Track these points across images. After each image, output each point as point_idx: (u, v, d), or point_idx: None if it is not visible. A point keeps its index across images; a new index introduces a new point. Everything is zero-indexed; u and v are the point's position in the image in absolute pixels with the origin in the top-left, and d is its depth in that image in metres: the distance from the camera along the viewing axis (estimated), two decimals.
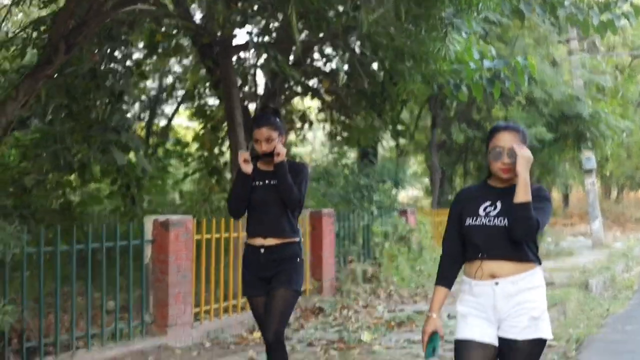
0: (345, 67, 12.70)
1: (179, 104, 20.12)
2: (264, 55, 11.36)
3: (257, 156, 6.04)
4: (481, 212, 4.64)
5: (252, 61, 13.77)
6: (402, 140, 21.61)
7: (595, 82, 24.53)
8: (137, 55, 13.88)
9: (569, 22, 11.89)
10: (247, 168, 5.98)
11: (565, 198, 41.66)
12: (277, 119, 6.12)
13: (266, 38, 12.96)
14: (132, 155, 13.33)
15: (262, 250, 5.96)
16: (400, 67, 11.63)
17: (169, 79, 19.38)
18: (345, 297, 12.72)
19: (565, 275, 16.27)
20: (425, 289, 13.92)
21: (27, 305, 7.75)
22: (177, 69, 19.03)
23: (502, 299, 4.50)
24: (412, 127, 19.71)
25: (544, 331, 4.51)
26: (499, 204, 4.62)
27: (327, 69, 13.13)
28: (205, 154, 15.30)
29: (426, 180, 26.92)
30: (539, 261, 4.62)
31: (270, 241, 5.96)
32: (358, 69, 11.73)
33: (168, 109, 20.58)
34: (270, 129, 5.97)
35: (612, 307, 13.67)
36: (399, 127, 15.15)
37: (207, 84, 15.64)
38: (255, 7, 10.97)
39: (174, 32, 13.71)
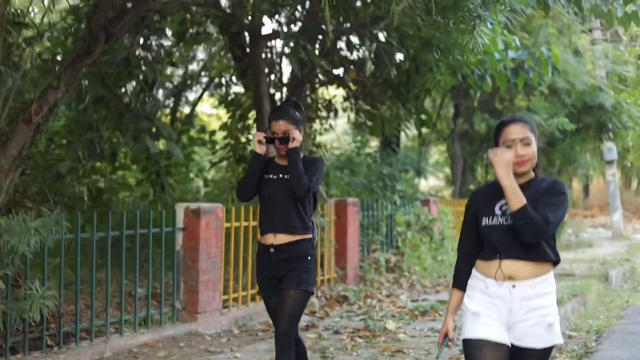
0: (371, 56, 12.80)
1: (203, 92, 20.22)
2: (292, 45, 11.40)
3: (273, 139, 5.91)
4: (497, 211, 4.56)
5: (279, 50, 13.90)
6: (424, 130, 21.66)
7: (617, 73, 24.47)
8: (166, 44, 13.96)
9: (593, 13, 11.91)
10: (261, 148, 5.92)
11: (586, 189, 41.59)
12: (297, 112, 6.05)
13: (294, 27, 13.11)
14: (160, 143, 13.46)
15: (272, 250, 5.93)
16: (426, 57, 11.75)
17: (194, 67, 19.48)
18: (368, 286, 12.87)
19: (585, 267, 16.37)
20: (447, 279, 14.03)
21: (62, 291, 7.92)
22: (201, 56, 19.15)
23: (518, 302, 4.42)
24: (435, 116, 19.74)
25: (557, 336, 4.46)
26: None
27: (353, 58, 13.18)
28: (232, 142, 15.41)
29: (447, 170, 26.97)
30: (556, 258, 4.51)
31: (280, 239, 5.91)
32: (384, 58, 11.83)
33: (191, 96, 20.66)
34: (288, 123, 5.90)
35: (631, 299, 13.79)
36: (423, 117, 15.19)
37: (233, 72, 15.73)
38: None
39: (203, 20, 13.84)
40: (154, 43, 12.56)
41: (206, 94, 20.44)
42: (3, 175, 7.28)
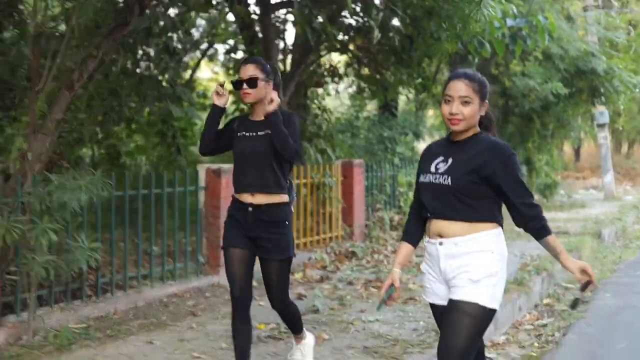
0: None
1: (202, 56, 20.71)
2: (305, 13, 11.90)
3: (241, 83, 5.72)
4: (432, 168, 4.49)
5: (286, 18, 14.46)
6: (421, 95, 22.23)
7: (609, 39, 24.99)
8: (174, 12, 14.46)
9: None
10: (219, 100, 5.83)
11: (577, 152, 42.25)
12: (267, 65, 5.87)
13: None
14: None
15: (250, 209, 5.74)
16: (428, 24, 12.28)
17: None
18: (374, 242, 13.51)
19: (579, 225, 17.01)
20: None
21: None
22: (200, 22, 19.59)
23: (445, 260, 4.38)
24: (431, 81, 20.33)
25: (482, 297, 4.29)
26: (449, 160, 4.45)
27: (358, 25, 13.67)
28: (242, 106, 15.97)
29: (443, 133, 27.53)
30: (498, 222, 4.44)
31: (259, 199, 5.74)
32: (389, 26, 12.36)
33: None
34: (257, 68, 5.72)
35: (623, 255, 14.54)
36: (422, 81, 15.74)
37: (241, 39, 16.23)
38: None
39: None
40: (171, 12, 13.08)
41: (204, 59, 20.91)
42: (48, 138, 7.87)
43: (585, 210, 21.48)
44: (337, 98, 20.58)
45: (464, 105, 4.34)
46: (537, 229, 4.37)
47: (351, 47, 14.56)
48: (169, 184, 9.58)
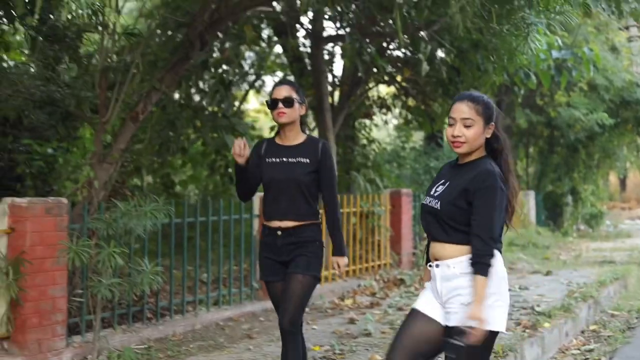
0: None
1: (250, 88, 21.12)
2: (357, 46, 12.24)
3: (276, 102, 5.63)
4: (432, 191, 4.53)
5: (337, 51, 14.85)
6: None
7: None
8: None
9: (632, 16, 12.67)
10: (239, 160, 5.64)
11: (623, 182, 42.11)
12: (300, 89, 5.84)
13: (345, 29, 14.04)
14: None
15: (279, 233, 5.63)
16: (474, 57, 12.56)
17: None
18: (422, 270, 13.72)
19: (624, 255, 17.15)
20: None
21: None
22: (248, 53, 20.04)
23: (441, 282, 4.42)
24: None
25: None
26: (447, 184, 4.48)
27: (407, 57, 13.98)
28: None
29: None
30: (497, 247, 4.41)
31: (288, 223, 5.63)
32: (437, 59, 12.67)
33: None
34: (292, 89, 5.68)
35: None
36: None
37: (291, 72, 16.61)
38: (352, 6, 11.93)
39: (259, 23, 14.78)
40: (229, 47, 13.52)
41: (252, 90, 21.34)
42: (112, 167, 8.27)
43: (631, 240, 21.55)
44: (384, 129, 20.88)
45: (466, 128, 4.36)
46: (475, 262, 4.26)
47: (399, 78, 14.85)
48: (225, 211, 9.93)
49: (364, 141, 17.61)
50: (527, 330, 8.67)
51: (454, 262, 4.36)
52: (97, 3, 5.70)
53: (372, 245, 13.25)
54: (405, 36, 12.56)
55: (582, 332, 9.97)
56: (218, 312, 9.61)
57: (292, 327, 5.68)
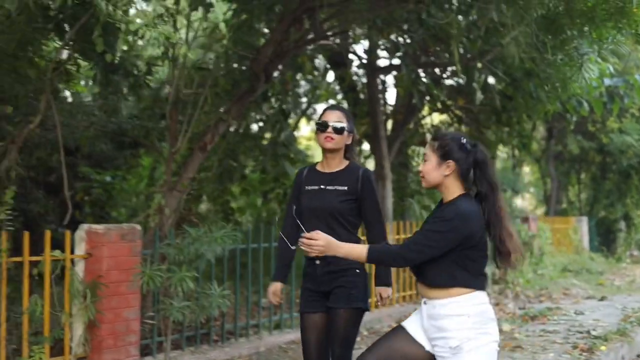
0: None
1: (301, 116, 21.49)
2: (413, 77, 12.55)
3: (326, 126, 5.41)
4: None
5: (389, 80, 15.20)
6: (516, 151, 22.65)
7: None
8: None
9: None
10: (274, 299, 5.70)
11: None
12: (351, 118, 5.62)
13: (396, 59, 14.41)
14: None
15: (318, 262, 5.36)
16: (527, 85, 12.81)
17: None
18: None
19: None
20: (549, 291, 15.04)
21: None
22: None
23: (427, 320, 4.51)
24: (529, 139, 20.80)
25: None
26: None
27: (460, 86, 14.26)
28: None
29: (533, 189, 27.74)
30: (473, 287, 4.51)
31: None
32: (491, 87, 12.94)
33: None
34: (344, 117, 5.46)
35: None
36: (523, 140, 16.24)
37: (346, 101, 16.98)
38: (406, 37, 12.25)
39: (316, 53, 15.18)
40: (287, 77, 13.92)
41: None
42: (181, 194, 8.64)
43: None
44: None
45: (423, 164, 4.62)
46: (374, 247, 4.63)
47: (452, 106, 15.14)
48: (276, 238, 10.23)
49: (418, 168, 17.90)
50: (584, 354, 8.86)
51: (438, 302, 4.46)
52: (171, 39, 6.03)
53: None
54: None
55: (638, 356, 10.10)
56: (281, 336, 9.92)
57: None
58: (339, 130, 5.35)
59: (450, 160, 4.51)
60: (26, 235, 7.08)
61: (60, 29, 7.26)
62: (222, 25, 5.80)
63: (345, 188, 5.40)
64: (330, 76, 18.21)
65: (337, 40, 12.21)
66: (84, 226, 7.66)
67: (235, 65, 10.17)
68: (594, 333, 10.17)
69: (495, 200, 4.54)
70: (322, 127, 5.39)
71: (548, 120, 19.95)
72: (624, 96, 14.38)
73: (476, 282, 4.53)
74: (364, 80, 15.39)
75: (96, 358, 7.53)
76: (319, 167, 5.57)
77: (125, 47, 8.03)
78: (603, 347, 9.18)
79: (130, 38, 5.87)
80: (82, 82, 12.35)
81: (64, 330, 7.35)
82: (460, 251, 4.44)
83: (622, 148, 21.70)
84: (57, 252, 7.29)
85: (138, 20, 6.28)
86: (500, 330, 10.22)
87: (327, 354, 5.40)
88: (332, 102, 19.64)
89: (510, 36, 10.02)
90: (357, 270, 5.37)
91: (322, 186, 5.42)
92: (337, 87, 18.41)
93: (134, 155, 12.96)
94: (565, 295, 14.74)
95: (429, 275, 4.49)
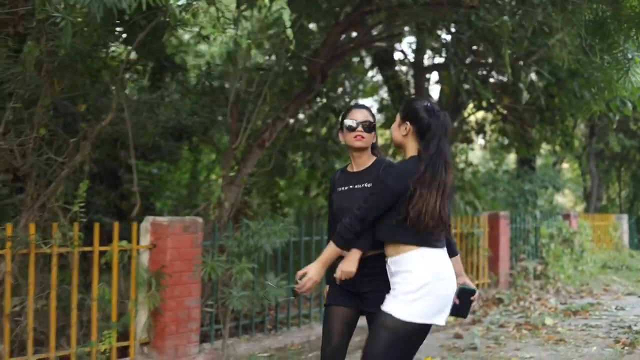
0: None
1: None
2: (461, 77, 12.84)
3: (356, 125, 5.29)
4: None
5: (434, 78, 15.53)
6: (557, 148, 22.83)
7: None
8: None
9: None
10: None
11: None
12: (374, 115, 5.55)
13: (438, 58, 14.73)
14: None
15: None
16: (571, 85, 13.04)
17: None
18: (519, 290, 14.22)
19: None
20: (590, 287, 15.28)
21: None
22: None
23: (390, 277, 4.74)
24: (572, 137, 21.02)
25: (397, 310, 4.54)
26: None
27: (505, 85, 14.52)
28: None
29: (579, 185, 27.86)
30: (415, 243, 4.59)
31: None
32: (536, 87, 13.20)
33: None
34: (370, 115, 5.40)
35: None
36: (567, 139, 16.49)
37: (390, 98, 17.31)
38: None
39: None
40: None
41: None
42: (239, 189, 9.02)
43: None
44: (476, 151, 21.40)
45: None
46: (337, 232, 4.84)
47: (496, 105, 15.41)
48: (318, 231, 10.54)
49: (462, 165, 18.18)
50: (626, 348, 9.13)
51: (391, 260, 4.70)
52: (239, 43, 6.36)
53: (471, 266, 13.78)
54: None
55: None
56: None
57: None
58: (368, 129, 5.29)
59: (408, 122, 4.75)
60: (97, 227, 7.49)
61: (131, 31, 7.66)
62: (289, 32, 6.06)
63: (371, 184, 5.19)
64: (374, 73, 18.53)
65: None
66: (149, 218, 8.06)
67: (291, 67, 10.56)
68: (635, 328, 10.45)
69: (435, 169, 4.61)
70: (352, 126, 5.30)
71: (590, 118, 20.15)
72: None
73: (417, 238, 4.61)
74: (408, 77, 15.72)
75: (159, 343, 7.94)
76: (349, 169, 5.48)
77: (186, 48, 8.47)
78: None
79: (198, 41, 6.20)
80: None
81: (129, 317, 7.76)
82: (397, 208, 4.60)
83: None
84: (124, 243, 7.70)
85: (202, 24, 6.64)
86: (543, 324, 10.64)
87: (346, 347, 5.33)
88: (376, 98, 20.01)
89: (556, 38, 10.32)
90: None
91: (351, 186, 5.33)
92: (381, 84, 18.74)
93: (178, 148, 13.33)
94: (605, 292, 14.96)
95: (378, 233, 4.71)
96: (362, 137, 5.23)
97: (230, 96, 8.89)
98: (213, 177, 17.68)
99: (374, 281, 5.09)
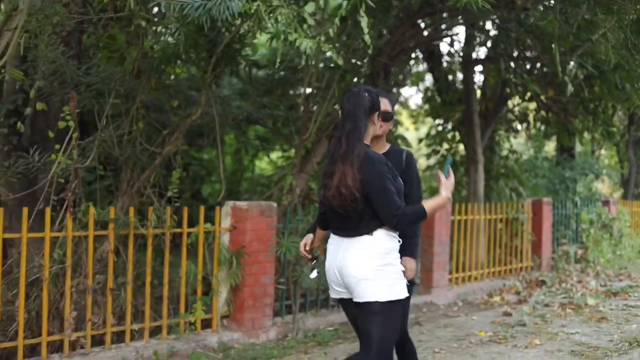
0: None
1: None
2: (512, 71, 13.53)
3: (390, 115, 5.50)
4: None
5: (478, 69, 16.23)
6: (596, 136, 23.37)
7: None
8: None
9: None
10: (306, 254, 5.56)
11: None
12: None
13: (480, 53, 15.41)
14: None
15: None
16: (613, 77, 13.63)
17: None
18: (560, 273, 14.93)
19: None
20: (628, 270, 15.94)
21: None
22: None
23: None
24: (613, 126, 21.53)
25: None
26: None
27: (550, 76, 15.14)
28: (439, 148, 17.90)
29: (617, 172, 28.33)
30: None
31: None
32: (580, 79, 13.84)
33: None
34: (389, 103, 5.56)
35: None
36: (609, 129, 17.06)
37: (436, 89, 18.01)
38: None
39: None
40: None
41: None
42: (307, 176, 9.81)
43: None
44: (519, 139, 21.99)
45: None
46: None
47: (542, 96, 16.05)
48: None
49: (505, 152, 18.87)
50: None
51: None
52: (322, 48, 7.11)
53: (515, 249, 14.50)
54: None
55: None
56: None
57: (406, 337, 5.75)
58: (388, 118, 5.44)
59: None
60: (185, 210, 8.32)
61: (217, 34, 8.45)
62: (367, 38, 6.79)
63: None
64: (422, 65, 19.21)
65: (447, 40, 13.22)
66: (229, 203, 8.89)
67: (358, 63, 11.33)
68: None
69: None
70: (387, 117, 5.44)
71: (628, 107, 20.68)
72: None
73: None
74: (453, 68, 16.44)
75: (238, 316, 8.77)
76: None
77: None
78: None
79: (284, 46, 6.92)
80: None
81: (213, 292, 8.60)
82: None
83: None
84: (208, 225, 8.53)
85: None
86: (586, 304, 11.37)
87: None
88: (421, 87, 20.71)
89: (599, 33, 10.98)
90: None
91: None
92: (428, 75, 19.47)
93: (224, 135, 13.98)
94: None
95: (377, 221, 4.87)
96: (382, 127, 5.38)
97: (303, 92, 9.69)
98: (257, 163, 18.51)
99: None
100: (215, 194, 15.95)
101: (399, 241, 4.97)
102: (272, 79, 11.27)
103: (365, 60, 10.11)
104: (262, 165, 19.82)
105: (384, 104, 5.42)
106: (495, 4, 7.97)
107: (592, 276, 15.08)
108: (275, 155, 18.66)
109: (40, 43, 7.48)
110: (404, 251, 5.15)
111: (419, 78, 20.40)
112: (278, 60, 7.09)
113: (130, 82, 8.22)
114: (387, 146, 5.61)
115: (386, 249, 4.84)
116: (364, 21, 6.88)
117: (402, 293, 4.87)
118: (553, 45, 10.04)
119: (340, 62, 7.22)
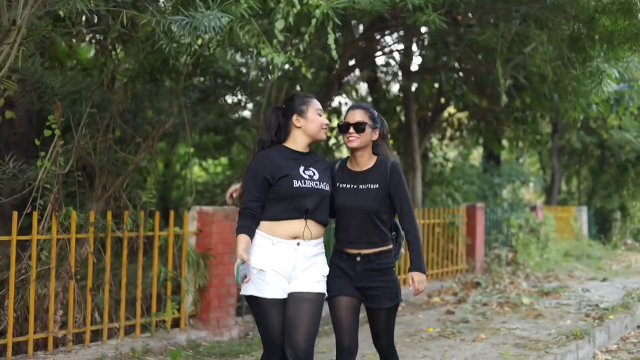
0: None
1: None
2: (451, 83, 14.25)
3: (348, 126, 5.49)
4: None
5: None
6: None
7: None
8: None
9: None
10: (229, 200, 5.89)
11: None
12: (375, 113, 5.67)
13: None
14: None
15: (359, 259, 5.46)
16: (542, 88, 14.42)
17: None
18: (493, 275, 15.66)
19: None
20: (555, 272, 16.78)
21: None
22: None
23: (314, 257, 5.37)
24: (543, 135, 22.35)
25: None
26: None
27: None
28: None
29: (540, 179, 29.33)
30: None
31: (362, 250, 5.44)
32: (512, 91, 14.63)
33: None
34: (365, 114, 5.53)
35: None
36: (537, 137, 17.89)
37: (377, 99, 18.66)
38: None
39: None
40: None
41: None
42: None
43: None
44: (451, 147, 22.77)
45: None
46: None
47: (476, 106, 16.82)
48: None
49: (437, 160, 19.62)
50: (596, 321, 10.59)
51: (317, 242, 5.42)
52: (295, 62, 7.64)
53: (451, 253, 15.20)
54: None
55: (638, 326, 11.76)
56: None
57: (391, 349, 5.75)
58: (360, 129, 5.42)
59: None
60: (157, 215, 8.76)
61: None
62: (334, 53, 7.36)
63: (377, 185, 5.45)
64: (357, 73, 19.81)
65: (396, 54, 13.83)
66: (196, 207, 9.36)
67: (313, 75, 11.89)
68: (601, 306, 11.93)
69: None
70: (344, 128, 5.50)
71: (553, 116, 21.63)
72: (629, 100, 16.02)
73: None
74: (388, 79, 17.15)
75: (204, 316, 9.25)
76: (349, 165, 5.62)
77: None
78: (611, 317, 10.90)
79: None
80: None
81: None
82: None
83: (621, 143, 23.38)
84: (177, 229, 8.99)
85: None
86: (522, 303, 12.06)
87: (357, 337, 5.56)
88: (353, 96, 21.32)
89: (530, 47, 11.74)
90: (393, 269, 5.54)
91: (354, 186, 5.46)
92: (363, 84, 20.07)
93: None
94: (570, 277, 16.44)
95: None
96: (355, 138, 5.44)
97: (264, 102, 10.20)
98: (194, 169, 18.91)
99: (379, 277, 5.43)
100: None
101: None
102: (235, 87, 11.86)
103: (320, 73, 10.70)
104: (197, 172, 20.19)
105: (346, 116, 5.63)
106: (446, 20, 8.61)
107: (523, 278, 15.80)
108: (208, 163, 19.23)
109: (19, 54, 7.83)
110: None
111: (352, 87, 21.02)
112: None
113: (105, 94, 8.65)
114: (374, 159, 5.60)
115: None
116: (331, 38, 7.44)
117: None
118: (497, 59, 10.68)
119: (309, 75, 7.76)
